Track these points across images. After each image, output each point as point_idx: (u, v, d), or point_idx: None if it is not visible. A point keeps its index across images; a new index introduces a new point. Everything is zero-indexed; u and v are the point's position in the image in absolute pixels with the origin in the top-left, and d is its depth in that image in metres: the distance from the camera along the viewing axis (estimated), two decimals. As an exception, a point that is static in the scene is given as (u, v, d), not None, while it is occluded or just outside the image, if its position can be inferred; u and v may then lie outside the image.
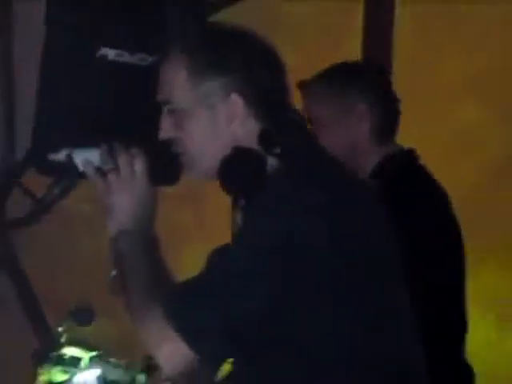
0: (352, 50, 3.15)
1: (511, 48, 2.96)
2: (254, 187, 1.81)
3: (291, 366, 1.76)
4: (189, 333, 1.68)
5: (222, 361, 1.86)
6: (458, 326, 2.65)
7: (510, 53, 2.99)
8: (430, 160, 2.86)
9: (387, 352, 1.80)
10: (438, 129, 3.06)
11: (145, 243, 1.89)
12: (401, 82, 3.05)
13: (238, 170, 1.83)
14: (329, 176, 1.84)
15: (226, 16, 3.09)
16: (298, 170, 1.80)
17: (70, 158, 2.29)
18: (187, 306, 1.72)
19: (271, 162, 1.81)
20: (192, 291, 1.74)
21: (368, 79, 2.55)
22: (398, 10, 3.11)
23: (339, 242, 1.70)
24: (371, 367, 1.77)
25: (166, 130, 1.93)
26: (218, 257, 1.78)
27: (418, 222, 2.43)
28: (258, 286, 1.69)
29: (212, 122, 1.86)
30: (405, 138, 2.97)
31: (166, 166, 1.97)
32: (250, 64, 1.88)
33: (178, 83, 1.89)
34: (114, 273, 1.98)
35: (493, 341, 3.25)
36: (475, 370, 2.56)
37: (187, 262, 2.76)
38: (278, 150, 1.81)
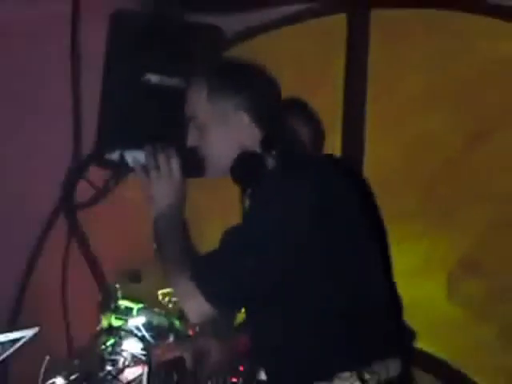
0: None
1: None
2: (256, 180, 1.88)
3: (289, 312, 1.81)
4: (207, 291, 1.75)
5: (233, 313, 2.01)
6: None
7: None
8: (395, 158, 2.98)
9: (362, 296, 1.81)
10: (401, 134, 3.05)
11: (177, 224, 1.95)
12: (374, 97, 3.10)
13: (244, 168, 1.92)
14: (311, 170, 1.87)
15: (236, 50, 3.16)
16: (288, 167, 1.86)
17: (122, 157, 2.42)
18: (207, 271, 1.79)
19: (269, 161, 1.89)
20: (211, 259, 1.81)
21: None
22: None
23: (318, 214, 1.76)
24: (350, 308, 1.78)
25: (192, 140, 2.00)
26: (231, 233, 1.82)
27: None
28: (261, 253, 1.75)
29: (225, 134, 1.93)
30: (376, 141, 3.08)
31: (193, 166, 2.00)
32: (254, 88, 1.96)
33: (200, 104, 1.96)
34: (154, 246, 1.98)
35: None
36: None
37: (207, 239, 2.83)
38: (274, 153, 1.89)
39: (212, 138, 1.98)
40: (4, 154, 3.47)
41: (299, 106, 2.65)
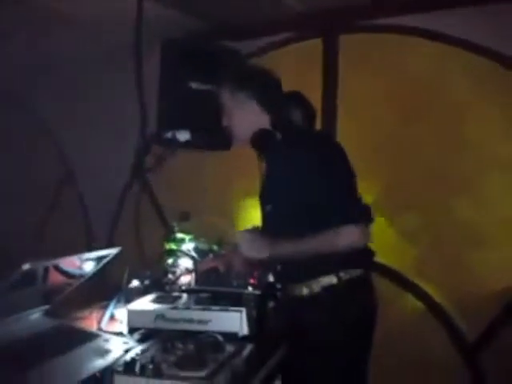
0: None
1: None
2: (268, 148, 1.91)
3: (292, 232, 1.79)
4: None
5: None
6: None
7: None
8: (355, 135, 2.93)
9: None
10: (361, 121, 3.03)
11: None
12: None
13: (261, 139, 1.92)
14: (303, 139, 1.92)
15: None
16: (290, 139, 1.89)
17: (174, 135, 2.40)
18: None
19: (277, 135, 1.91)
20: None
21: None
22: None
23: (309, 169, 1.80)
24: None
25: (224, 121, 2.01)
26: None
27: None
28: (274, 191, 1.85)
29: (242, 117, 1.94)
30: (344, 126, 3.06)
31: (224, 139, 2.09)
32: (262, 84, 1.95)
33: (226, 97, 1.97)
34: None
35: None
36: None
37: (227, 199, 2.84)
38: (281, 129, 1.91)
39: (234, 120, 1.98)
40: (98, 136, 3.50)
41: (298, 96, 2.61)
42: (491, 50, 2.65)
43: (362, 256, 1.88)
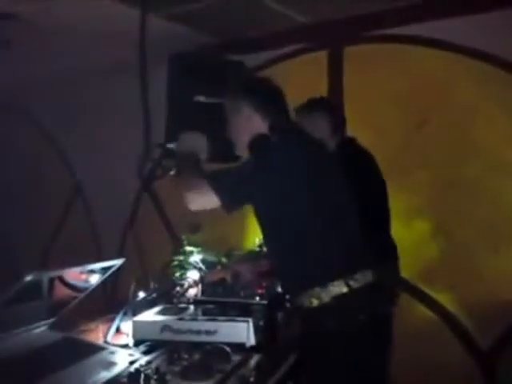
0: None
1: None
2: (261, 152, 1.80)
3: (294, 242, 1.74)
4: (218, 187, 1.70)
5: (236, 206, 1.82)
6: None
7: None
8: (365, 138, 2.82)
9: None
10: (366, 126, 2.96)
11: (194, 160, 1.92)
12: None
13: (254, 144, 1.85)
14: (296, 142, 1.81)
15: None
16: (283, 141, 1.78)
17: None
18: (220, 175, 1.76)
19: (273, 139, 1.82)
20: (225, 170, 1.79)
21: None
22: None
23: (300, 166, 1.73)
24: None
25: (227, 133, 1.99)
26: (243, 163, 1.80)
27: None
28: (257, 176, 1.72)
29: (241, 125, 1.91)
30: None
31: (225, 145, 1.98)
32: (261, 93, 1.92)
33: (228, 108, 1.96)
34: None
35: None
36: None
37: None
38: (277, 134, 1.83)
39: (234, 126, 1.96)
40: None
41: (323, 102, 2.57)
42: (496, 56, 2.62)
43: (371, 257, 1.81)
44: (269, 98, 1.93)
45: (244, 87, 1.96)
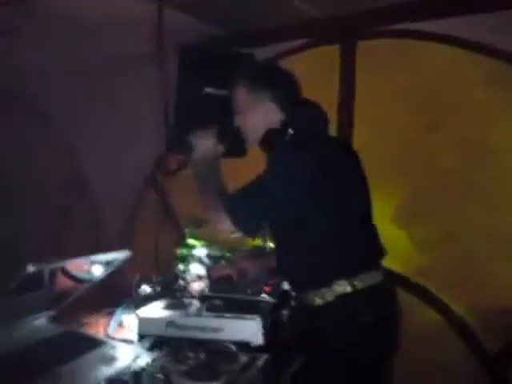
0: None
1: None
2: (275, 149, 1.76)
3: (300, 241, 1.72)
4: (234, 217, 1.68)
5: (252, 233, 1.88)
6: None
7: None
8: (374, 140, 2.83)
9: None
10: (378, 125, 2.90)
11: (212, 170, 1.88)
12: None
13: (268, 140, 1.81)
14: (313, 142, 1.76)
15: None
16: (298, 140, 1.74)
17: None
18: (235, 204, 1.71)
19: (287, 136, 1.75)
20: (239, 195, 1.71)
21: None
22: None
23: (317, 172, 1.67)
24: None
25: (236, 121, 1.91)
26: (255, 180, 1.71)
27: None
28: (273, 194, 1.67)
29: (257, 117, 1.85)
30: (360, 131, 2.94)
31: (237, 142, 1.93)
32: (278, 84, 1.86)
33: (241, 98, 1.88)
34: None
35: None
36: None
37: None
38: (291, 130, 1.76)
39: (248, 121, 1.89)
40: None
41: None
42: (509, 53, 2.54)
43: (376, 257, 1.81)
44: (289, 91, 1.88)
45: (265, 77, 1.89)
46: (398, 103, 2.83)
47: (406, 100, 2.82)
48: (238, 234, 1.83)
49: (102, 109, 3.68)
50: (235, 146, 1.96)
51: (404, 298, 2.14)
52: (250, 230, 1.82)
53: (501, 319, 2.51)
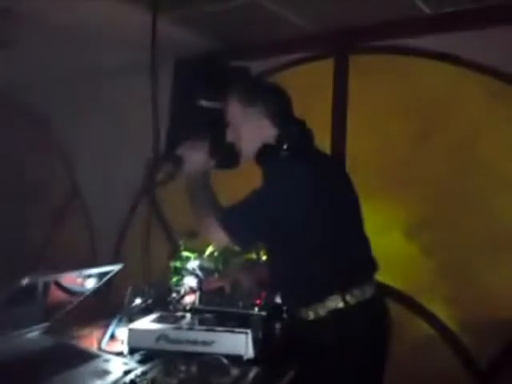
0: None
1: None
2: (271, 164, 1.78)
3: (293, 255, 1.73)
4: (228, 230, 1.68)
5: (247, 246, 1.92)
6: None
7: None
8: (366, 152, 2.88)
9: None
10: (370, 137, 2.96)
11: (204, 184, 1.86)
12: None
13: (264, 155, 1.81)
14: (308, 157, 1.78)
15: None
16: (294, 155, 1.75)
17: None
18: (229, 216, 1.71)
19: (282, 151, 1.77)
20: (233, 208, 1.71)
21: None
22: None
23: (309, 188, 1.67)
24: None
25: (229, 137, 1.92)
26: (251, 194, 1.70)
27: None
28: (270, 208, 1.67)
29: (250, 131, 1.85)
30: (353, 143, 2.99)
31: (229, 159, 1.93)
32: (271, 100, 1.86)
33: (234, 112, 1.88)
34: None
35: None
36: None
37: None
38: (285, 145, 1.78)
39: (241, 135, 1.89)
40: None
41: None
42: (505, 71, 2.58)
43: (363, 270, 1.81)
44: (282, 106, 1.89)
45: (259, 93, 1.90)
46: (392, 116, 2.87)
47: (400, 113, 2.86)
48: (230, 246, 1.84)
49: (99, 118, 3.70)
50: (227, 158, 1.96)
51: (395, 310, 2.15)
52: (245, 243, 1.83)
53: (491, 331, 2.52)
